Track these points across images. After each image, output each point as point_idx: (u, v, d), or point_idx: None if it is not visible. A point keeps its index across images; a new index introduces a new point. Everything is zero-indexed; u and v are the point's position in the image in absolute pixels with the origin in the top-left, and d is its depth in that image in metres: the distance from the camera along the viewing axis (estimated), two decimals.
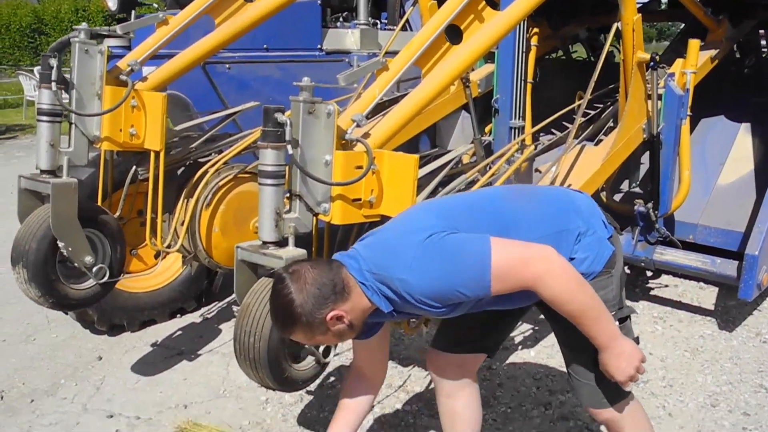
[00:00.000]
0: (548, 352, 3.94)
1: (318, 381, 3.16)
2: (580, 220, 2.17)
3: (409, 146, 4.29)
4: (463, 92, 4.20)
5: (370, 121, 2.68)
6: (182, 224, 3.36)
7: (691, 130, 4.32)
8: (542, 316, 4.11)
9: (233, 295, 3.32)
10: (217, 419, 3.28)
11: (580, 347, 2.13)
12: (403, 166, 2.52)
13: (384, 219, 2.51)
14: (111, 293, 3.43)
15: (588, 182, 3.46)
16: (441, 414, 2.62)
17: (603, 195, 4.36)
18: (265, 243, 2.50)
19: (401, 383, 3.58)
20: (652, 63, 3.69)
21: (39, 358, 3.90)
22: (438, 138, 5.50)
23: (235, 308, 4.47)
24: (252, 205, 2.93)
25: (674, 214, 4.40)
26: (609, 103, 4.80)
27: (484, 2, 2.95)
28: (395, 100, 3.67)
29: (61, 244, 3.05)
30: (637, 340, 2.25)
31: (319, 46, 5.53)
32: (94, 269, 3.18)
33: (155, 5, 5.52)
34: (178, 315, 4.37)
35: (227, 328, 4.22)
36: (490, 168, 3.45)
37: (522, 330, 4.17)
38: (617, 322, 2.15)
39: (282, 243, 2.49)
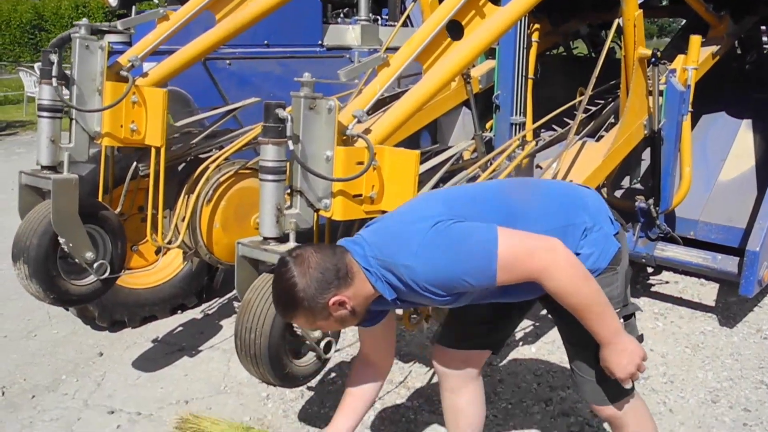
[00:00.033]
0: (549, 349, 3.94)
1: (319, 377, 3.16)
2: (586, 216, 2.16)
3: (410, 142, 4.29)
4: (464, 88, 4.21)
5: (371, 117, 2.68)
6: (183, 220, 3.36)
7: (692, 126, 4.31)
8: (543, 312, 4.14)
9: (234, 291, 3.33)
10: (218, 415, 3.28)
11: (583, 343, 2.12)
12: (404, 162, 2.52)
13: None
14: (112, 289, 3.43)
15: (589, 178, 3.45)
16: (444, 409, 2.62)
17: (604, 191, 4.36)
18: (266, 239, 2.50)
19: (402, 379, 3.58)
20: (653, 59, 3.68)
21: (40, 354, 3.90)
22: (439, 134, 5.49)
23: (236, 304, 4.47)
24: (253, 201, 2.93)
25: (675, 211, 4.39)
26: (610, 100, 4.80)
27: None
28: (396, 96, 3.67)
29: (61, 240, 3.05)
30: (641, 338, 2.25)
31: (319, 42, 5.53)
32: (95, 265, 3.18)
33: (156, 1, 5.52)
34: (179, 311, 4.37)
35: (228, 324, 4.22)
36: (491, 164, 3.45)
37: (523, 326, 4.16)
38: (622, 320, 2.14)
39: (283, 239, 2.49)
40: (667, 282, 5.06)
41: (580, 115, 3.54)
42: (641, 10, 3.56)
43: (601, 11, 5.72)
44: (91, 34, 3.25)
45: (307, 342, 2.48)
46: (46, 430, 3.18)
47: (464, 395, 2.55)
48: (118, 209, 3.49)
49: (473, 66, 4.75)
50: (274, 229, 2.48)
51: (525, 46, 3.94)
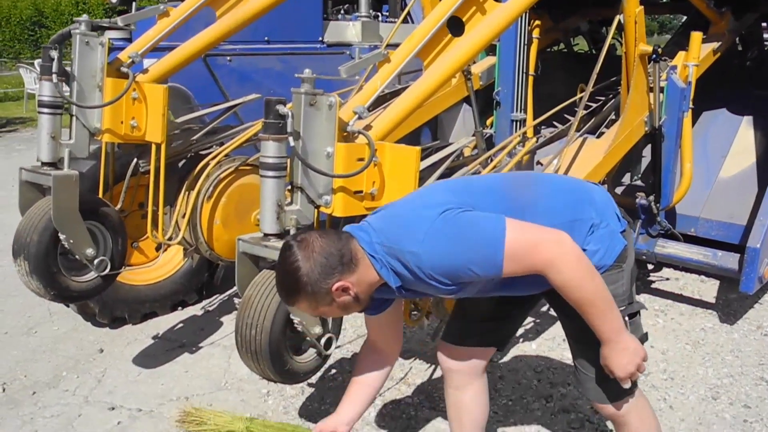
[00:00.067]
0: (549, 345, 3.94)
1: (319, 373, 3.16)
2: (594, 212, 2.15)
3: (411, 139, 4.29)
4: (464, 85, 4.19)
5: (371, 113, 2.68)
6: (183, 217, 3.36)
7: (693, 122, 4.31)
8: (544, 309, 4.14)
9: (234, 288, 3.33)
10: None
11: (587, 341, 2.10)
12: (404, 159, 2.51)
13: None
14: (112, 286, 3.43)
15: (590, 175, 3.45)
16: (448, 406, 2.61)
17: (605, 188, 4.36)
18: (266, 235, 2.50)
19: (402, 375, 3.58)
20: (654, 55, 3.68)
21: (41, 350, 3.90)
22: (439, 130, 5.49)
23: (236, 300, 4.47)
24: (253, 198, 2.94)
25: (676, 207, 4.40)
26: (611, 96, 4.79)
27: None
28: (397, 93, 3.66)
29: (62, 237, 3.05)
30: (645, 336, 2.24)
31: (320, 39, 5.53)
32: (96, 261, 3.18)
33: None
34: (180, 307, 4.36)
35: (228, 321, 4.23)
36: (491, 160, 3.46)
37: (523, 323, 4.16)
38: (627, 318, 2.14)
39: (283, 235, 2.49)
40: (667, 279, 5.06)
41: (581, 112, 3.53)
42: (642, 7, 3.55)
43: (601, 8, 5.72)
44: (92, 31, 3.25)
45: (308, 338, 2.48)
46: (47, 427, 3.18)
47: (468, 392, 2.54)
48: (119, 206, 3.50)
49: (474, 62, 4.75)
50: (275, 225, 2.48)
51: (526, 42, 3.93)
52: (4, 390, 3.47)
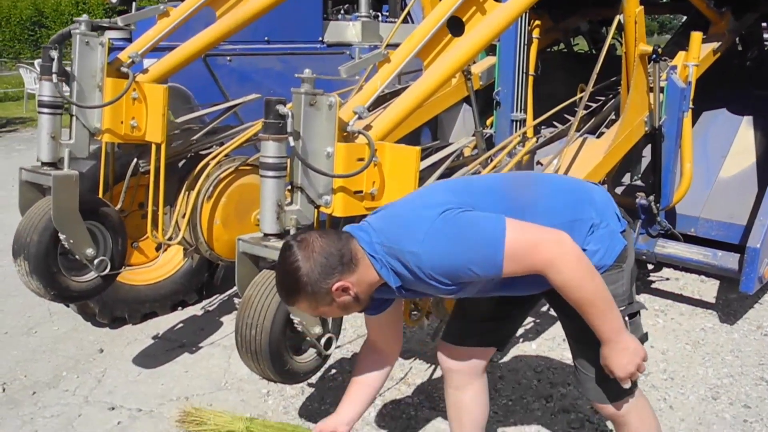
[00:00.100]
0: (549, 345, 3.94)
1: (319, 373, 3.16)
2: (594, 212, 2.15)
3: (411, 139, 4.29)
4: (464, 85, 4.19)
5: (371, 114, 2.68)
6: (183, 217, 3.36)
7: (693, 123, 4.31)
8: (544, 309, 4.14)
9: (234, 288, 3.33)
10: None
11: (587, 341, 2.10)
12: (404, 159, 2.51)
13: None
14: (112, 286, 3.43)
15: (590, 175, 3.45)
16: (448, 405, 2.61)
17: (604, 188, 4.36)
18: (266, 235, 2.50)
19: (402, 375, 3.58)
20: (654, 55, 3.68)
21: (41, 350, 3.90)
22: (439, 130, 5.49)
23: (236, 300, 4.47)
24: (253, 198, 2.93)
25: (676, 207, 4.40)
26: (611, 96, 4.80)
27: None
28: (397, 93, 3.66)
29: (62, 237, 3.05)
30: (645, 336, 2.24)
31: (320, 39, 5.52)
32: (96, 261, 3.18)
33: None
34: (180, 307, 4.36)
35: (228, 321, 4.23)
36: (491, 161, 3.46)
37: (523, 323, 4.16)
38: (627, 318, 2.13)
39: (283, 235, 2.49)
40: (667, 279, 5.06)
41: (581, 112, 3.53)
42: (642, 7, 3.55)
43: (601, 8, 5.72)
44: (92, 31, 3.25)
45: (308, 338, 2.48)
46: (47, 427, 3.18)
47: (469, 392, 2.53)
48: (119, 206, 3.50)
49: (474, 62, 4.75)
50: (275, 225, 2.48)
51: (526, 42, 3.93)
52: (4, 390, 3.47)
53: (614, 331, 2.01)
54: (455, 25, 2.89)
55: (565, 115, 4.40)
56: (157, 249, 4.07)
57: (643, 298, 4.71)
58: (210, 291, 4.53)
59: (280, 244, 2.42)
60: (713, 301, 4.71)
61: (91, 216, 3.18)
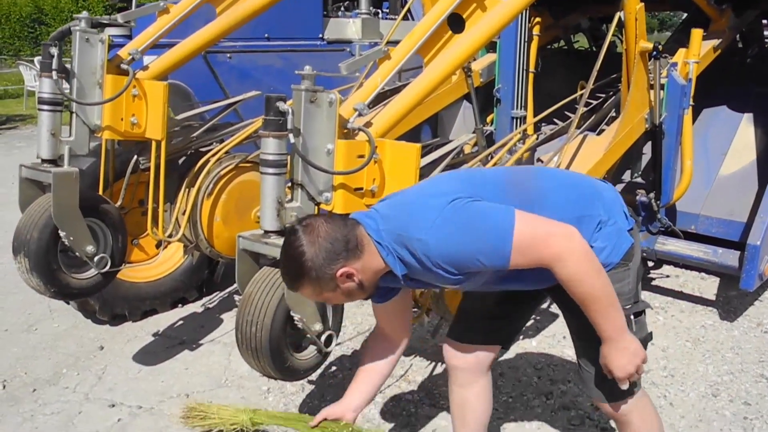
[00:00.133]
0: (550, 342, 3.94)
1: (319, 370, 3.16)
2: (602, 208, 2.14)
3: (411, 136, 4.29)
4: (464, 82, 4.20)
5: (372, 111, 2.68)
6: (184, 214, 3.36)
7: (694, 120, 4.31)
8: (544, 306, 4.13)
9: (235, 285, 3.33)
10: None
11: (591, 339, 2.08)
12: (405, 156, 2.51)
13: None
14: (112, 283, 3.43)
15: (590, 172, 3.45)
16: (452, 402, 2.60)
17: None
18: (266, 232, 2.50)
19: (402, 373, 3.58)
20: (654, 52, 3.68)
21: (41, 347, 3.90)
22: (440, 128, 5.49)
23: (236, 298, 4.46)
24: (253, 195, 2.93)
25: (676, 205, 4.40)
26: (611, 93, 4.79)
27: None
28: (397, 90, 3.66)
29: (62, 234, 3.05)
30: (650, 336, 2.23)
31: (320, 36, 5.53)
32: (96, 259, 3.18)
33: None
34: (180, 305, 4.36)
35: (229, 318, 4.23)
36: (492, 158, 3.45)
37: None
38: (632, 317, 2.13)
39: (284, 232, 2.48)
40: (667, 276, 5.06)
41: (581, 109, 3.53)
42: (642, 4, 3.55)
43: (602, 4, 5.70)
44: (92, 28, 3.24)
45: (308, 335, 2.48)
46: (47, 424, 3.18)
47: (473, 389, 2.52)
48: (119, 203, 3.50)
49: (474, 59, 4.75)
50: (275, 222, 2.48)
51: (526, 39, 3.93)
52: (4, 387, 3.47)
53: (616, 330, 2.00)
54: (455, 22, 2.88)
55: (566, 113, 4.40)
56: (158, 246, 4.07)
57: (643, 295, 4.70)
58: (210, 288, 4.53)
59: (280, 241, 2.42)
60: (713, 298, 4.72)
61: (92, 213, 3.18)
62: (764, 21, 6.20)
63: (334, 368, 3.63)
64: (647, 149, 4.18)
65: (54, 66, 3.07)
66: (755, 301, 4.63)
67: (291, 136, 2.38)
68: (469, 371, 2.51)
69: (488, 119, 4.50)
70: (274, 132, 2.41)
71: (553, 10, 5.57)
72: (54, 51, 3.08)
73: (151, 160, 3.29)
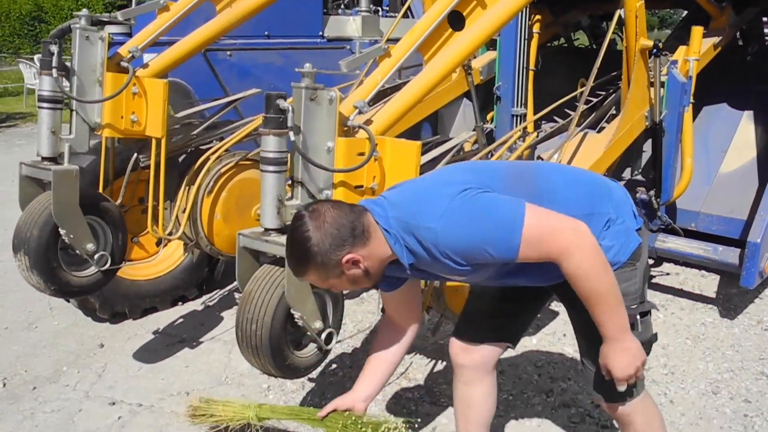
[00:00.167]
0: (550, 340, 3.94)
1: (320, 368, 3.16)
2: (611, 207, 2.14)
3: (411, 134, 4.29)
4: (464, 79, 4.20)
5: (372, 108, 2.68)
6: (184, 211, 3.36)
7: (694, 117, 4.31)
8: (546, 304, 4.13)
9: (235, 283, 3.32)
10: None
11: (595, 338, 2.07)
12: (405, 153, 2.51)
13: None
14: (113, 281, 3.43)
15: (590, 170, 3.45)
16: (456, 400, 2.59)
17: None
18: (267, 230, 2.50)
19: (403, 371, 3.58)
20: (654, 50, 3.67)
21: (41, 345, 3.91)
22: (440, 125, 5.49)
23: (237, 295, 4.47)
24: (254, 192, 2.93)
25: (676, 202, 4.40)
26: (611, 91, 4.80)
27: None
28: (397, 88, 3.66)
29: (62, 232, 3.05)
30: (655, 337, 2.22)
31: (320, 33, 5.52)
32: (96, 256, 3.17)
33: None
34: (180, 302, 4.36)
35: (229, 316, 4.23)
36: (492, 155, 3.45)
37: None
38: (638, 317, 2.12)
39: (284, 230, 2.48)
40: (668, 273, 5.06)
41: (582, 107, 3.53)
42: (642, 1, 3.55)
43: (602, 2, 5.71)
44: (92, 25, 3.24)
45: (309, 333, 2.48)
46: (47, 422, 3.19)
47: (479, 388, 2.51)
48: (119, 200, 3.49)
49: (474, 57, 4.75)
50: (275, 220, 2.48)
51: (526, 37, 3.93)
52: (4, 385, 3.47)
53: (618, 329, 1.99)
54: (456, 20, 2.88)
55: (566, 110, 4.41)
56: (158, 244, 4.07)
57: None
58: (210, 286, 4.53)
59: (280, 239, 2.42)
60: (713, 295, 4.72)
61: (92, 211, 3.18)
62: (764, 18, 6.20)
63: (334, 366, 3.63)
64: (647, 147, 4.18)
65: (54, 64, 3.06)
66: (755, 299, 4.63)
67: (291, 133, 2.38)
68: (475, 369, 2.50)
69: (488, 117, 4.51)
70: (274, 130, 2.41)
71: (553, 8, 5.57)
72: (54, 49, 3.07)
73: (151, 158, 3.29)
